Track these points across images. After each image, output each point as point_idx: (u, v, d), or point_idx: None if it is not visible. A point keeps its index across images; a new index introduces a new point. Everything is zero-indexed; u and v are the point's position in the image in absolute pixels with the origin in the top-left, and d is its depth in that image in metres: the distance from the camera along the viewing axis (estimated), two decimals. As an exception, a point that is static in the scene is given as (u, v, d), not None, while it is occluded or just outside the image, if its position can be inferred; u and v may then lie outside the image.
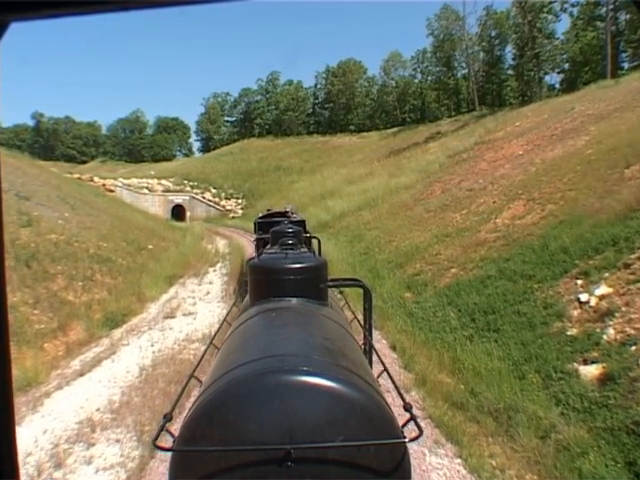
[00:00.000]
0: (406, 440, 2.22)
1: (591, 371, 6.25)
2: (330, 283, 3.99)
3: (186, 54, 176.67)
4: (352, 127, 75.59)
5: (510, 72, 61.12)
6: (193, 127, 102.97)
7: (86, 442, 6.00)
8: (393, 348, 8.77)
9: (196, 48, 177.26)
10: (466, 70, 65.04)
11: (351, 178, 39.95)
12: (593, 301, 7.75)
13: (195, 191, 57.19)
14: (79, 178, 44.21)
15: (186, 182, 58.96)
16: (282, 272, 3.55)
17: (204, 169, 64.46)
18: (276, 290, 3.50)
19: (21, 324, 8.72)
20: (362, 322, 4.49)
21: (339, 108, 78.98)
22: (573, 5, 50.98)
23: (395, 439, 2.21)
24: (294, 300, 3.41)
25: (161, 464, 5.19)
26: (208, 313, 12.05)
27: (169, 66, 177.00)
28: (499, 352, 7.41)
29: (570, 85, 48.20)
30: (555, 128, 23.91)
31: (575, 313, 7.74)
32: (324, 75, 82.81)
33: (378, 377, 3.06)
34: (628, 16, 44.40)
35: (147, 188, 54.82)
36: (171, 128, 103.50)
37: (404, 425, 2.31)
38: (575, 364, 6.52)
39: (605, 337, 6.77)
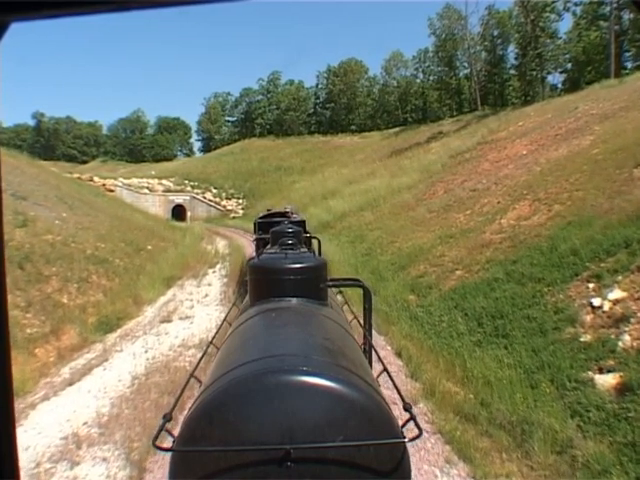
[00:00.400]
0: (406, 440, 2.20)
1: (607, 380, 5.94)
2: (330, 283, 3.99)
3: (187, 54, 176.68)
4: (353, 127, 75.23)
5: (512, 72, 60.80)
6: (194, 127, 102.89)
7: (70, 460, 5.59)
8: (398, 355, 8.43)
9: (197, 48, 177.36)
10: (468, 70, 64.74)
11: (352, 178, 39.68)
12: (607, 306, 7.44)
13: (196, 191, 56.95)
14: (79, 178, 43.97)
15: (187, 182, 58.72)
16: (282, 272, 3.55)
17: (205, 169, 64.22)
18: (276, 290, 3.49)
19: (12, 328, 8.35)
20: (362, 322, 4.47)
21: (340, 108, 78.63)
22: (576, 4, 50.62)
23: (395, 439, 2.20)
24: (294, 300, 3.41)
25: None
26: (206, 317, 11.70)
27: (170, 66, 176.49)
28: (509, 359, 7.09)
29: (573, 85, 47.82)
30: (559, 128, 23.65)
31: (588, 318, 7.43)
32: (325, 75, 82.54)
33: (378, 377, 3.03)
34: (632, 15, 44.05)
35: (147, 188, 54.58)
36: (172, 128, 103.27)
37: (404, 425, 2.29)
38: (590, 373, 6.21)
39: (621, 344, 6.45)
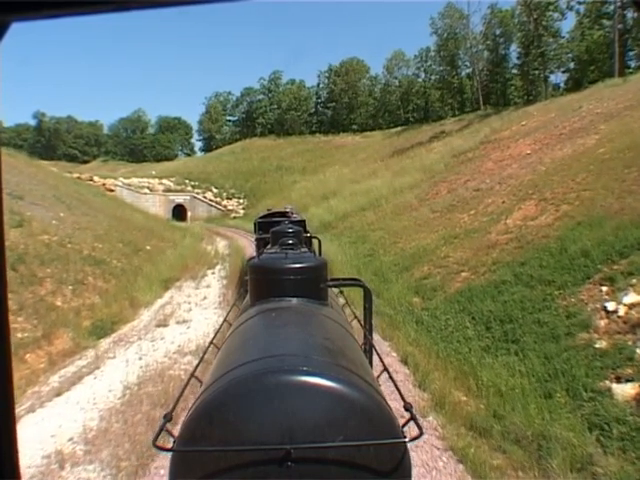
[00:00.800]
0: (406, 440, 2.19)
1: (626, 390, 5.61)
2: (330, 283, 3.98)
3: (188, 54, 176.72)
4: (355, 127, 74.98)
5: (514, 71, 60.45)
6: (195, 127, 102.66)
7: (52, 483, 5.20)
8: (404, 362, 8.05)
9: (198, 48, 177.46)
10: (470, 69, 64.44)
11: (354, 178, 39.43)
12: (622, 310, 7.11)
13: (196, 191, 56.72)
14: (78, 177, 43.74)
15: (187, 182, 58.51)
16: (282, 272, 3.54)
17: (205, 169, 63.98)
18: (276, 290, 3.48)
19: (2, 333, 8.00)
20: (362, 322, 4.46)
21: (342, 107, 78.35)
22: (580, 3, 50.22)
23: (395, 439, 2.19)
24: (294, 300, 3.40)
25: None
26: (204, 321, 11.33)
27: (170, 66, 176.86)
28: (520, 366, 6.75)
29: (576, 84, 47.47)
30: (563, 127, 23.42)
31: (602, 323, 7.10)
32: (327, 74, 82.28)
33: (378, 377, 3.03)
34: (636, 14, 43.70)
35: (148, 188, 54.35)
36: (173, 128, 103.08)
37: (404, 425, 2.27)
38: (607, 382, 5.88)
39: (639, 351, 6.13)
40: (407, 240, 17.41)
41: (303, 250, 4.67)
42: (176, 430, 2.30)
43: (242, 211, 53.39)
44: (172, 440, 2.23)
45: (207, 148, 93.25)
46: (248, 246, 22.18)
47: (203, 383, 2.69)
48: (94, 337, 9.85)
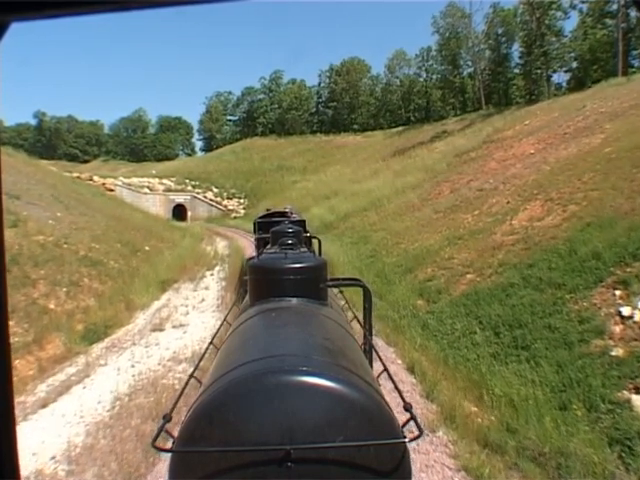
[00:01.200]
0: (406, 440, 2.18)
1: (647, 402, 5.29)
2: (330, 283, 3.98)
3: (188, 53, 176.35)
4: (356, 126, 74.63)
5: (517, 71, 60.10)
6: (196, 126, 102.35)
7: (29, 510, 4.77)
8: (411, 370, 7.64)
9: (198, 48, 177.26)
10: (472, 68, 64.07)
11: (355, 178, 39.18)
12: (638, 316, 6.80)
13: (197, 190, 56.44)
14: (78, 177, 43.48)
15: (188, 181, 58.23)
16: (282, 272, 3.53)
17: (206, 168, 63.70)
18: (276, 290, 3.47)
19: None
20: (362, 322, 4.44)
21: (343, 107, 78.02)
22: (583, 1, 49.87)
23: (395, 439, 2.18)
24: (294, 300, 3.39)
25: None
26: (201, 325, 10.96)
27: (171, 65, 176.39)
28: (532, 375, 6.43)
29: (579, 84, 47.11)
30: (567, 126, 23.17)
31: (617, 329, 6.78)
32: (328, 74, 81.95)
33: (378, 377, 3.02)
34: (638, 13, 43.33)
35: (148, 187, 54.08)
36: (174, 127, 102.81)
37: (404, 425, 2.26)
38: (625, 392, 5.56)
39: (658, 360, 5.81)
40: (410, 241, 17.12)
41: (303, 250, 4.66)
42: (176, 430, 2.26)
43: (243, 211, 53.08)
44: (172, 440, 2.21)
45: (208, 148, 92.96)
46: (248, 246, 21.87)
47: (203, 383, 2.68)
48: (86, 342, 9.46)
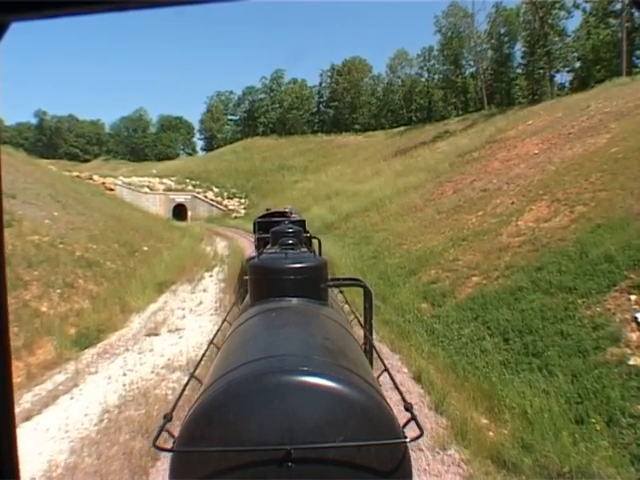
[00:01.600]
0: (407, 440, 2.17)
1: (670, 416, 4.96)
2: (330, 283, 3.96)
3: (189, 53, 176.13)
4: (357, 126, 74.34)
5: (519, 70, 59.80)
6: (197, 126, 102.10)
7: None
8: (417, 379, 7.27)
9: (199, 47, 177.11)
10: (474, 68, 63.77)
11: (357, 178, 38.89)
12: (655, 322, 6.47)
13: (197, 190, 56.14)
14: (77, 176, 43.25)
15: (188, 181, 57.93)
16: (282, 272, 3.53)
17: (206, 168, 63.43)
18: (276, 290, 3.46)
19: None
20: (363, 322, 4.42)
21: (344, 107, 77.69)
22: (586, 1, 49.53)
23: (396, 439, 2.17)
24: (294, 300, 3.38)
25: None
26: (197, 329, 10.60)
27: (172, 65, 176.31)
28: (545, 385, 6.09)
29: (582, 83, 46.78)
30: (572, 126, 22.87)
31: (634, 336, 6.45)
32: (329, 73, 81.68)
33: (378, 377, 3.00)
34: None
35: (148, 187, 53.79)
36: (174, 127, 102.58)
37: (405, 425, 2.25)
38: (646, 405, 5.23)
39: (680, 370, 5.49)
40: (412, 242, 16.80)
41: (303, 250, 4.68)
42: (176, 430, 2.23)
43: (243, 211, 52.76)
44: (172, 440, 2.20)
45: (208, 147, 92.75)
46: (248, 247, 21.57)
47: (203, 384, 2.66)
48: (78, 347, 9.09)
